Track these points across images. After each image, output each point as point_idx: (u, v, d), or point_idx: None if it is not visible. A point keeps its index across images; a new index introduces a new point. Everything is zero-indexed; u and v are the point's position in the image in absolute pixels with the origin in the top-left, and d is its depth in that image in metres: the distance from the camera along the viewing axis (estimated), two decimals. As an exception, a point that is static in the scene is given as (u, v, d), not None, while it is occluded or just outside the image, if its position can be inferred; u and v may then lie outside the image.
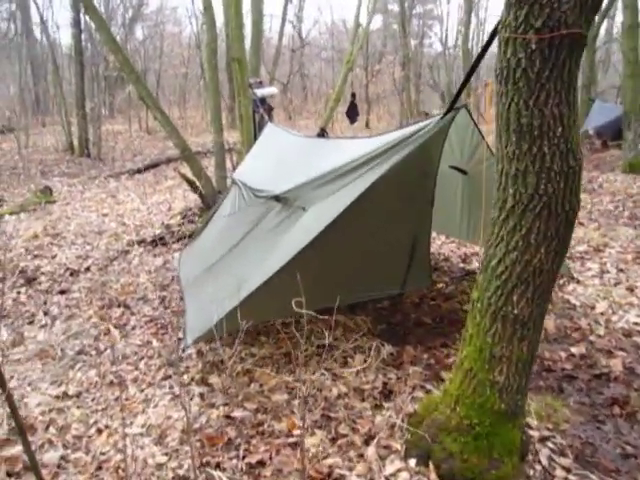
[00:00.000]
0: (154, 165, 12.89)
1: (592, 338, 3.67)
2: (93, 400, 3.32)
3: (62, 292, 5.54)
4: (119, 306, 5.06)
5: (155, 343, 4.17)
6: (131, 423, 2.97)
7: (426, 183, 3.44)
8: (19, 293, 5.51)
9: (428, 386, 3.11)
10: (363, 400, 3.01)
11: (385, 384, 3.16)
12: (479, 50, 2.42)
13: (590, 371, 3.31)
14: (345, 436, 2.68)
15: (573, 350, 3.49)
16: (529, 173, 1.96)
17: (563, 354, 3.49)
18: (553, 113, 1.88)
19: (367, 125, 19.54)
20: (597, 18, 12.30)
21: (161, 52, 25.55)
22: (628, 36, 9.55)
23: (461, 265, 5.29)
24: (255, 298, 2.89)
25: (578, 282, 4.66)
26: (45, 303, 5.28)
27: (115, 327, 4.60)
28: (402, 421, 2.63)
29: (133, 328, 4.55)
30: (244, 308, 2.91)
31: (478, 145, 3.38)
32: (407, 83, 18.16)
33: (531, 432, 2.64)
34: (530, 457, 2.48)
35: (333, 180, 3.09)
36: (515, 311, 2.12)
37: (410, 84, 18.57)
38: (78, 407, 3.22)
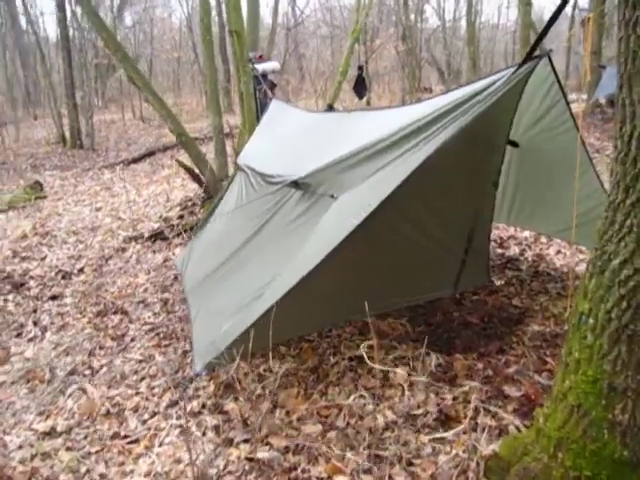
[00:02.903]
0: (150, 154, 12.24)
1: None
2: (86, 438, 2.75)
3: (53, 298, 4.99)
4: (116, 312, 4.50)
5: (158, 357, 3.61)
6: (131, 472, 2.41)
7: (492, 158, 2.81)
8: (6, 301, 4.96)
9: (493, 408, 2.54)
10: (417, 431, 2.43)
11: (440, 407, 2.59)
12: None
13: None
14: (403, 484, 2.12)
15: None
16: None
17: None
18: None
19: (368, 104, 18.77)
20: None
21: (152, 37, 24.68)
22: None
23: (499, 251, 4.70)
24: (280, 311, 2.29)
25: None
26: (35, 311, 4.74)
27: (112, 338, 4.04)
28: (477, 464, 2.06)
29: (132, 339, 3.98)
30: (265, 324, 2.33)
31: (551, 108, 2.75)
32: (409, 57, 17.36)
33: None
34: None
35: (367, 160, 2.48)
36: (647, 329, 1.54)
37: (412, 59, 17.76)
38: (68, 449, 2.66)
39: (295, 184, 2.84)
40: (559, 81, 2.55)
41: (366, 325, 3.54)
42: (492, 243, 4.99)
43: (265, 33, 22.30)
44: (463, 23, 24.89)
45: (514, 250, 4.71)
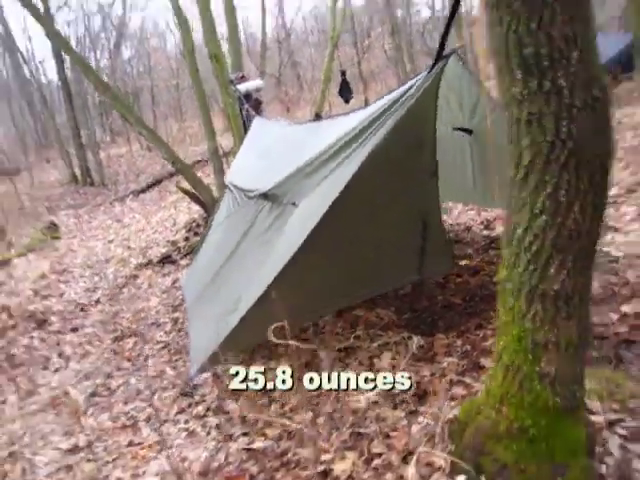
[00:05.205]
0: (157, 182, 12.66)
1: (644, 292, 3.23)
2: (105, 449, 3.03)
3: (74, 330, 5.33)
4: (131, 336, 4.82)
5: (169, 372, 3.89)
6: (144, 473, 2.67)
7: (422, 153, 3.02)
8: (32, 338, 5.29)
9: (467, 380, 2.73)
10: (395, 407, 2.64)
11: (418, 383, 2.79)
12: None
13: (650, 331, 2.88)
14: (380, 455, 2.32)
15: (625, 309, 3.06)
16: (545, 115, 1.56)
17: (614, 315, 3.06)
18: (564, 34, 1.48)
19: (366, 103, 18.86)
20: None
21: (150, 68, 25.28)
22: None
23: (485, 233, 4.87)
24: (254, 314, 2.54)
25: (616, 230, 4.18)
26: (58, 344, 5.06)
27: (128, 360, 4.34)
28: (442, 430, 2.26)
29: (146, 358, 4.28)
30: (245, 326, 2.57)
31: (479, 97, 2.95)
32: (399, 53, 17.53)
33: (594, 418, 2.24)
34: (599, 449, 2.09)
35: (318, 167, 2.71)
36: (555, 287, 1.73)
37: (402, 54, 17.93)
38: (88, 460, 2.93)
39: (265, 196, 3.08)
40: (471, 73, 2.73)
41: (356, 318, 3.77)
42: (480, 226, 5.18)
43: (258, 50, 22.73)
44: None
45: (499, 231, 4.86)
